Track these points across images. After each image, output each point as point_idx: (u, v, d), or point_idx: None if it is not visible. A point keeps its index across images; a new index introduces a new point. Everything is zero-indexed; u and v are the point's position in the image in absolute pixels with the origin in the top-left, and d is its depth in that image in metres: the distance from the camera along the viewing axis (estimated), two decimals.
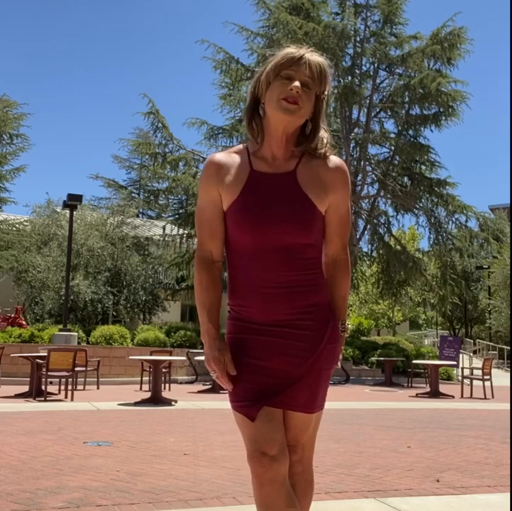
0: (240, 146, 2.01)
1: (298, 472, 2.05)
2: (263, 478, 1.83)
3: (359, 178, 23.15)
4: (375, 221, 23.83)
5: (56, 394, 11.00)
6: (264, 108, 1.93)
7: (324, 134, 1.98)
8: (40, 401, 10.02)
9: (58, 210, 23.48)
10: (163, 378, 11.86)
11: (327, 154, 1.98)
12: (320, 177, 1.95)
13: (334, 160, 1.98)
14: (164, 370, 12.04)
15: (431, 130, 22.98)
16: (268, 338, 1.91)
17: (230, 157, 1.99)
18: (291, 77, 1.86)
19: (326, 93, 1.94)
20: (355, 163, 22.80)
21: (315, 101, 1.92)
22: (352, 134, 22.74)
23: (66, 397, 10.47)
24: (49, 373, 10.23)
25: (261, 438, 1.85)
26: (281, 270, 1.89)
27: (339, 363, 2.02)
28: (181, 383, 15.83)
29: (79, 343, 16.31)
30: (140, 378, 13.55)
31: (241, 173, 1.94)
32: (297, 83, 1.84)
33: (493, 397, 13.16)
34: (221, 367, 1.90)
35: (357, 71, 22.82)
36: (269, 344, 1.91)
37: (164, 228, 24.81)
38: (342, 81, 22.24)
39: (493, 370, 15.30)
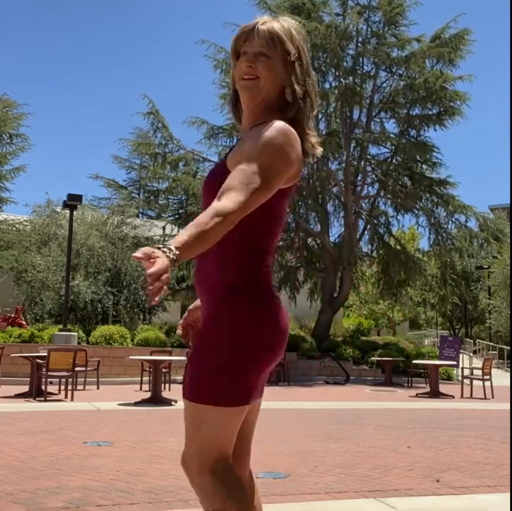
0: None
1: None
2: None
3: (359, 178, 23.13)
4: (375, 221, 23.80)
5: (56, 394, 11.00)
6: None
7: (312, 133, 1.85)
8: (40, 401, 10.02)
9: (58, 210, 23.44)
10: (163, 378, 11.86)
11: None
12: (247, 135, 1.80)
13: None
14: (164, 370, 12.05)
15: (435, 130, 22.88)
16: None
17: None
18: (246, 52, 1.81)
19: (293, 54, 1.82)
20: (355, 163, 22.79)
21: (284, 65, 1.81)
22: (353, 134, 22.72)
23: (66, 397, 10.47)
24: (49, 373, 10.23)
25: None
26: (207, 257, 1.77)
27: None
28: (181, 383, 15.82)
29: (79, 343, 16.29)
30: (140, 378, 13.54)
31: None
32: (245, 57, 1.80)
33: (493, 397, 13.16)
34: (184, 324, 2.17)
35: (359, 71, 22.79)
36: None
37: (164, 228, 24.77)
38: (343, 81, 22.22)
39: (493, 370, 15.29)
